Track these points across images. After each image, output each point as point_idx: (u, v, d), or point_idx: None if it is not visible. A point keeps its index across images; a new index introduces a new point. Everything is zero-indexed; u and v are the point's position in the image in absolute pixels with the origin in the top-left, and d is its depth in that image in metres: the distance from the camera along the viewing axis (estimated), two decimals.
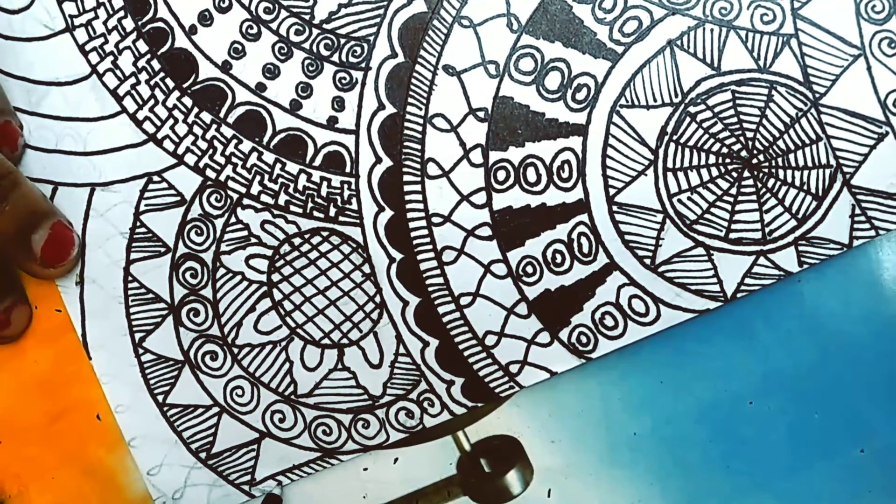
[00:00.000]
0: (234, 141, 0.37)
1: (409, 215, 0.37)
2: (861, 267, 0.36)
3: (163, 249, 0.37)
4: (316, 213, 0.37)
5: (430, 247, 0.37)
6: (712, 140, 0.36)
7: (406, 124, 0.36)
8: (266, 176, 0.37)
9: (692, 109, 0.36)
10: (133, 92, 0.37)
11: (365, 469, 0.38)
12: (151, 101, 0.37)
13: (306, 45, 0.36)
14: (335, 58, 0.36)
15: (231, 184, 0.37)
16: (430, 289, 0.37)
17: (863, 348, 0.36)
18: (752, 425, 0.37)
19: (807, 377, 0.36)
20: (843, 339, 0.36)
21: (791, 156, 0.36)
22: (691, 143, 0.36)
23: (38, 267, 0.36)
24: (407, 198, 0.37)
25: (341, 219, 0.37)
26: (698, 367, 0.37)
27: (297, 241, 0.37)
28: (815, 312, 0.36)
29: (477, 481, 0.38)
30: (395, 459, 0.38)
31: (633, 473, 0.37)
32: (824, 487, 0.36)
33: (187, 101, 0.37)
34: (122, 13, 0.37)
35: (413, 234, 0.37)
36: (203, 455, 0.38)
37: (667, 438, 0.37)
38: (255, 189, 0.37)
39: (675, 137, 0.36)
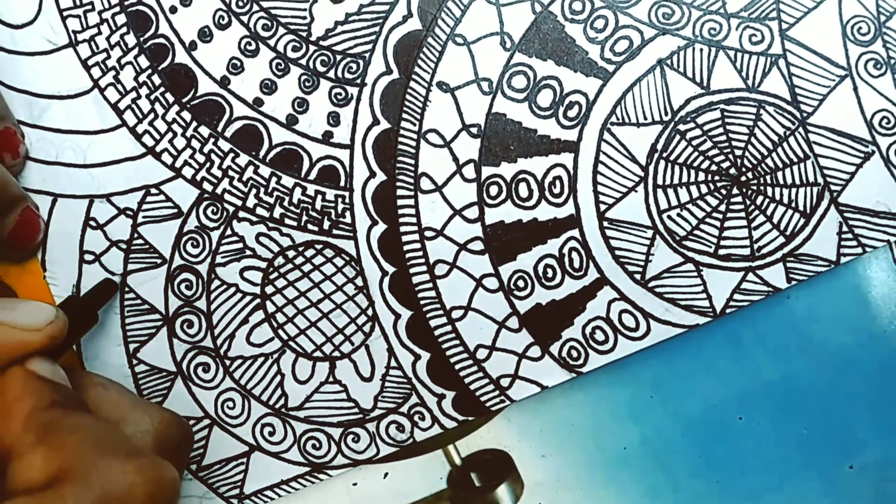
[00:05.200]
0: (231, 154, 0.37)
1: (402, 229, 0.37)
2: (849, 283, 0.36)
3: (159, 261, 0.38)
4: (310, 227, 0.37)
5: (422, 260, 0.37)
6: (702, 158, 0.36)
7: (400, 139, 0.37)
8: (262, 189, 0.37)
9: (682, 127, 0.36)
10: (133, 106, 0.37)
11: (354, 484, 0.38)
12: (151, 115, 0.37)
13: (303, 62, 0.37)
14: (331, 74, 0.37)
15: (227, 197, 0.37)
16: (422, 302, 0.37)
17: (851, 364, 0.36)
18: (742, 440, 0.37)
19: (796, 392, 0.36)
20: (832, 355, 0.36)
21: (779, 174, 0.36)
22: (681, 160, 0.36)
23: (4, 250, 0.36)
24: (400, 212, 0.37)
25: (335, 232, 0.37)
26: (688, 382, 0.37)
27: (290, 253, 0.37)
28: (804, 328, 0.36)
29: (467, 496, 0.38)
30: (385, 474, 0.38)
31: (622, 488, 0.37)
32: (813, 503, 0.36)
33: (186, 115, 0.37)
34: (124, 29, 0.37)
35: (406, 247, 0.37)
36: (194, 467, 0.38)
37: (656, 453, 0.37)
38: (251, 202, 0.37)
39: (665, 155, 0.36)
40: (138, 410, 0.31)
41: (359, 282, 0.37)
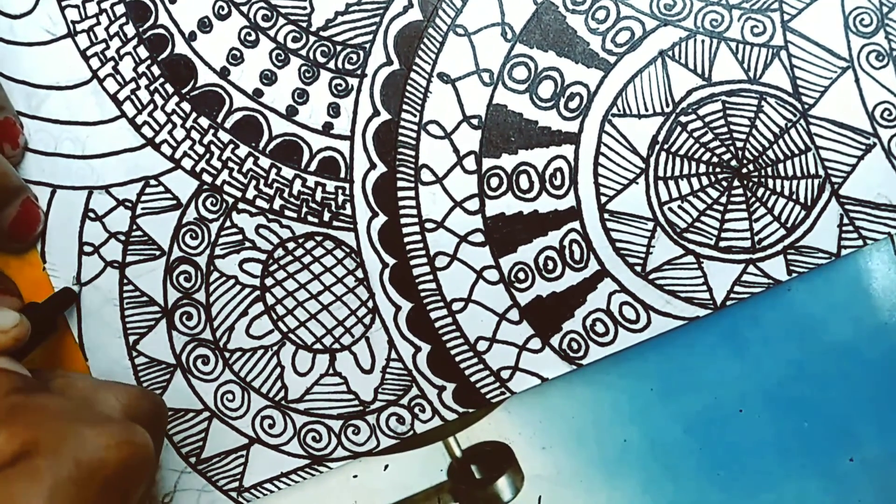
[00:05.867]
0: (231, 146, 0.37)
1: (403, 221, 0.37)
2: (849, 276, 0.36)
3: (158, 253, 0.37)
4: (310, 218, 0.37)
5: (422, 252, 0.37)
6: (703, 149, 0.36)
7: (400, 131, 0.37)
8: (261, 180, 0.37)
9: (683, 119, 0.36)
10: (133, 97, 0.37)
11: (355, 476, 0.38)
12: (151, 106, 0.37)
13: (303, 52, 0.37)
14: (331, 65, 0.37)
15: (227, 188, 0.37)
16: (423, 294, 0.37)
17: (852, 357, 0.36)
18: (742, 433, 0.37)
19: (796, 385, 0.36)
20: (833, 348, 0.36)
21: (780, 166, 0.36)
22: (682, 152, 0.36)
23: (4, 241, 0.36)
24: (400, 203, 0.37)
25: (335, 224, 0.37)
26: (688, 375, 0.37)
27: (290, 245, 0.37)
28: (805, 320, 0.36)
29: (467, 488, 0.38)
30: (386, 466, 0.38)
31: (623, 480, 0.37)
32: (813, 496, 0.36)
33: (186, 106, 0.37)
34: (123, 19, 0.37)
35: (406, 239, 0.37)
36: (193, 460, 0.38)
37: (657, 445, 0.37)
38: (251, 193, 0.37)
39: (665, 146, 0.36)
40: (103, 390, 0.32)
41: (359, 273, 0.37)
